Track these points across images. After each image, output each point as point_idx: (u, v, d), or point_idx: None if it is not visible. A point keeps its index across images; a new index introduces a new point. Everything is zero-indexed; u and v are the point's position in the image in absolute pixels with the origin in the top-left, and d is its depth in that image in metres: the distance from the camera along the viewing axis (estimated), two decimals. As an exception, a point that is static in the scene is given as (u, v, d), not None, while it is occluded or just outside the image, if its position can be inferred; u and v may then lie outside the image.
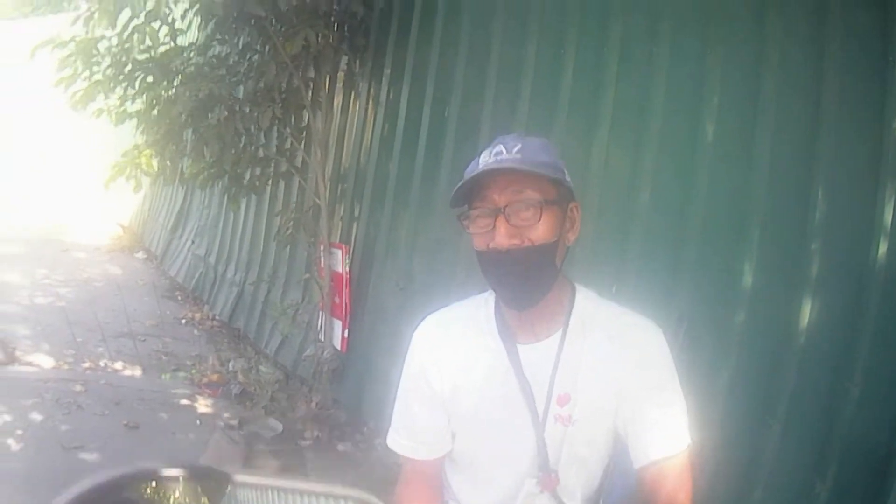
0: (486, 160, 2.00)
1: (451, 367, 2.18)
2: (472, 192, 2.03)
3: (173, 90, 5.97)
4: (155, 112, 6.13)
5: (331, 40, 5.94)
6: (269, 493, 1.79)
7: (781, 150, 3.09)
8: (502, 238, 1.96)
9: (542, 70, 4.42)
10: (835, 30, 2.94)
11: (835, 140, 2.91)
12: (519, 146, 2.00)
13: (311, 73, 6.25)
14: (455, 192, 2.03)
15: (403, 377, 2.26)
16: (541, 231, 1.98)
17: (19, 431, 5.33)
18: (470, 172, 2.01)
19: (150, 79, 5.91)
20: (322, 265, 6.12)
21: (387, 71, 5.91)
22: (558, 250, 2.04)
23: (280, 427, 5.81)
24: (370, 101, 6.17)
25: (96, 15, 5.22)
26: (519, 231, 1.97)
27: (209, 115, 5.88)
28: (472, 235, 2.05)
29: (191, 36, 6.81)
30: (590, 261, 3.77)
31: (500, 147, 2.01)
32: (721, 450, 2.96)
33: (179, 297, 9.78)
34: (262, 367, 7.07)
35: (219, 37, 6.12)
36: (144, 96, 6.09)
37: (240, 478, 1.80)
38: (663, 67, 3.63)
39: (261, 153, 6.64)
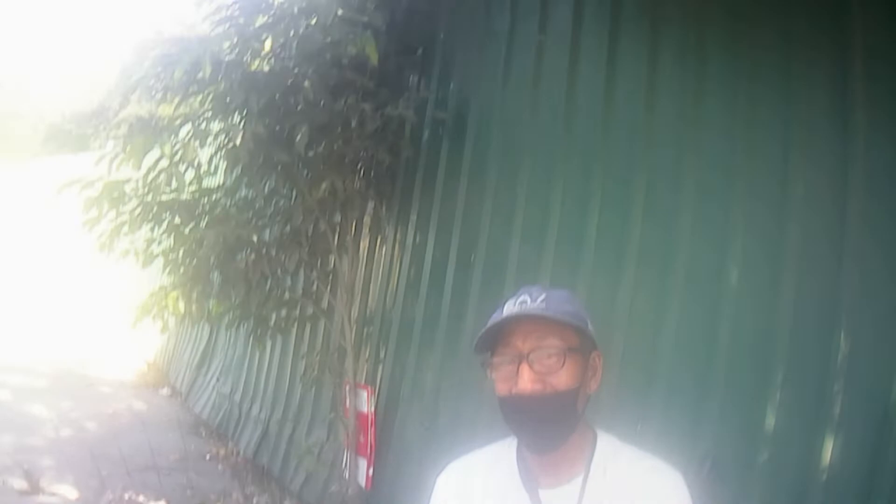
0: (510, 308, 2.08)
1: None
2: (495, 340, 2.09)
3: (200, 232, 6.08)
4: (181, 253, 6.23)
5: (357, 186, 6.08)
6: None
7: (805, 291, 3.14)
8: (525, 383, 2.02)
9: (567, 216, 4.53)
10: (860, 168, 3.02)
11: (858, 281, 2.96)
12: (543, 296, 2.09)
13: (338, 218, 6.39)
14: (480, 337, 2.10)
15: None
16: (563, 378, 2.04)
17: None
18: (494, 320, 2.09)
19: (176, 220, 6.04)
20: (347, 405, 6.15)
21: (413, 216, 6.05)
22: (580, 397, 2.09)
23: (308, 565, 5.78)
24: (396, 245, 6.29)
25: (121, 156, 5.38)
26: (542, 377, 2.03)
27: (236, 257, 5.98)
28: (494, 381, 2.11)
29: (218, 178, 6.96)
30: (615, 399, 3.82)
31: (525, 297, 2.10)
32: None
33: (204, 434, 9.76)
34: None
35: (245, 181, 6.27)
36: (171, 237, 6.20)
37: None
38: (688, 210, 3.72)
39: (287, 296, 6.72)
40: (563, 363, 2.04)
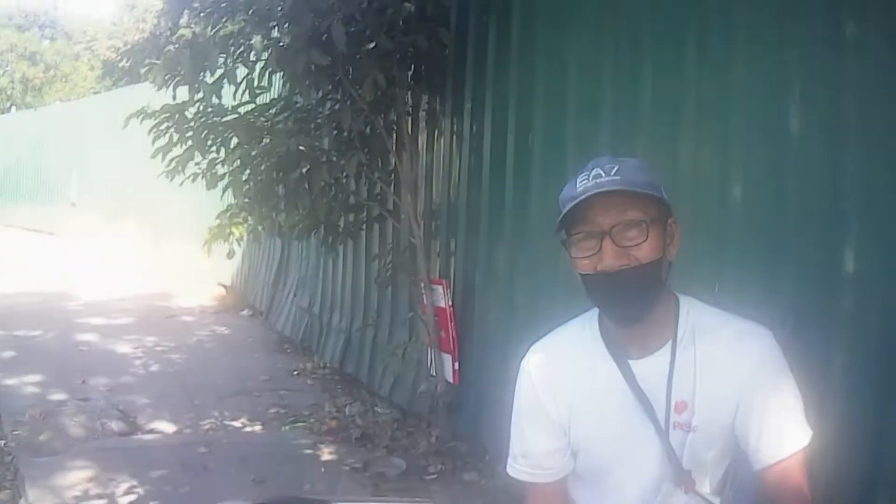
0: (584, 184, 2.06)
1: (565, 390, 2.24)
2: (573, 217, 2.07)
3: (260, 148, 6.15)
4: (247, 172, 6.32)
5: (406, 81, 6.10)
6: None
7: (873, 130, 3.10)
8: (610, 260, 2.02)
9: (620, 82, 4.52)
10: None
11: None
12: (616, 168, 2.06)
13: (393, 116, 6.43)
14: (560, 218, 2.09)
15: (516, 406, 2.34)
16: (647, 250, 2.03)
17: (153, 502, 5.49)
18: (569, 198, 2.07)
19: (236, 139, 6.12)
20: (425, 302, 6.25)
21: (467, 105, 6.06)
22: (663, 266, 2.10)
23: (403, 464, 5.93)
24: (454, 137, 6.32)
25: (177, 78, 5.42)
26: (626, 251, 2.02)
27: (297, 168, 6.04)
28: (574, 259, 2.11)
29: (272, 93, 7.00)
30: (690, 263, 3.80)
31: (597, 170, 2.06)
32: (841, 439, 2.93)
33: (289, 350, 9.93)
34: (378, 409, 7.22)
35: (296, 90, 6.27)
36: (235, 156, 6.27)
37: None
38: (741, 62, 3.69)
39: (352, 200, 6.81)
40: (647, 235, 2.04)
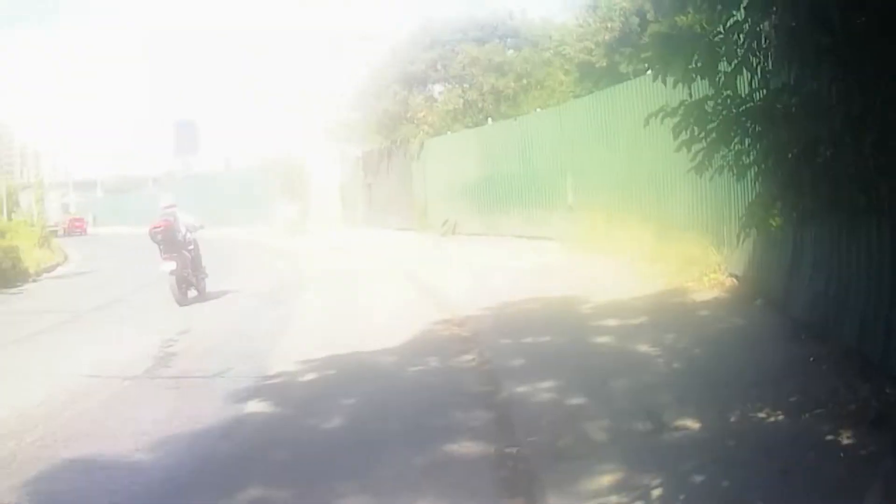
0: None
1: None
2: None
3: (779, 134, 6.28)
4: (770, 161, 6.50)
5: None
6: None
7: None
8: None
9: None
10: None
11: None
12: None
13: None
14: None
15: None
16: None
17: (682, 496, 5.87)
18: None
19: (757, 128, 6.32)
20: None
21: None
22: None
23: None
24: None
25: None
26: None
27: (818, 154, 6.17)
28: None
29: (782, 78, 7.08)
30: None
31: None
32: None
33: (804, 336, 9.87)
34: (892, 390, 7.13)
35: (808, 73, 6.39)
36: (759, 146, 6.47)
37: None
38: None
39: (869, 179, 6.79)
40: None
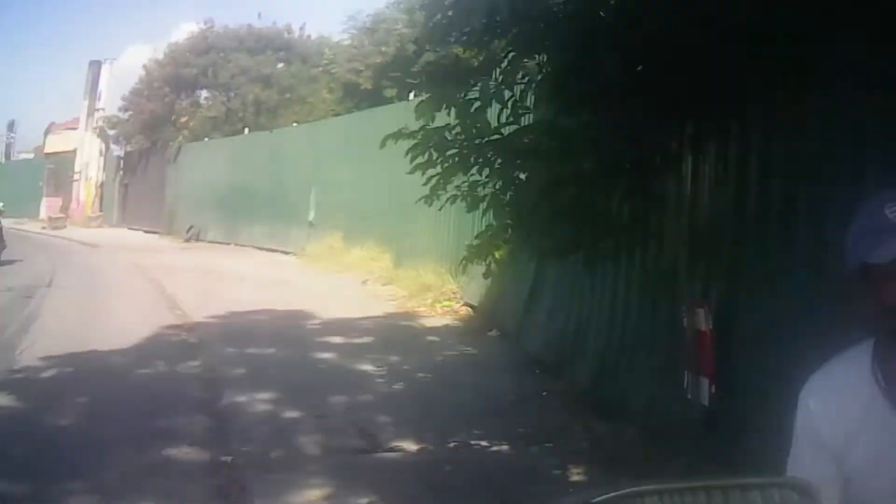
0: None
1: (841, 420, 2.26)
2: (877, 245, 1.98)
3: (522, 170, 6.37)
4: (509, 195, 6.51)
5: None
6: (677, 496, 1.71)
7: None
8: None
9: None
10: None
11: None
12: None
13: (659, 140, 6.58)
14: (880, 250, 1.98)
15: (794, 432, 2.37)
16: None
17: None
18: (883, 229, 1.97)
19: (498, 161, 6.34)
20: (684, 325, 6.41)
21: (733, 132, 6.22)
22: None
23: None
24: (720, 162, 6.48)
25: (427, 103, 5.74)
26: None
27: (561, 191, 6.19)
28: (879, 291, 2.00)
29: (532, 115, 7.24)
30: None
31: None
32: None
33: (538, 371, 10.05)
34: (628, 430, 7.29)
35: (559, 114, 6.47)
36: (496, 178, 6.46)
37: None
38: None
39: (614, 222, 6.98)
40: None
